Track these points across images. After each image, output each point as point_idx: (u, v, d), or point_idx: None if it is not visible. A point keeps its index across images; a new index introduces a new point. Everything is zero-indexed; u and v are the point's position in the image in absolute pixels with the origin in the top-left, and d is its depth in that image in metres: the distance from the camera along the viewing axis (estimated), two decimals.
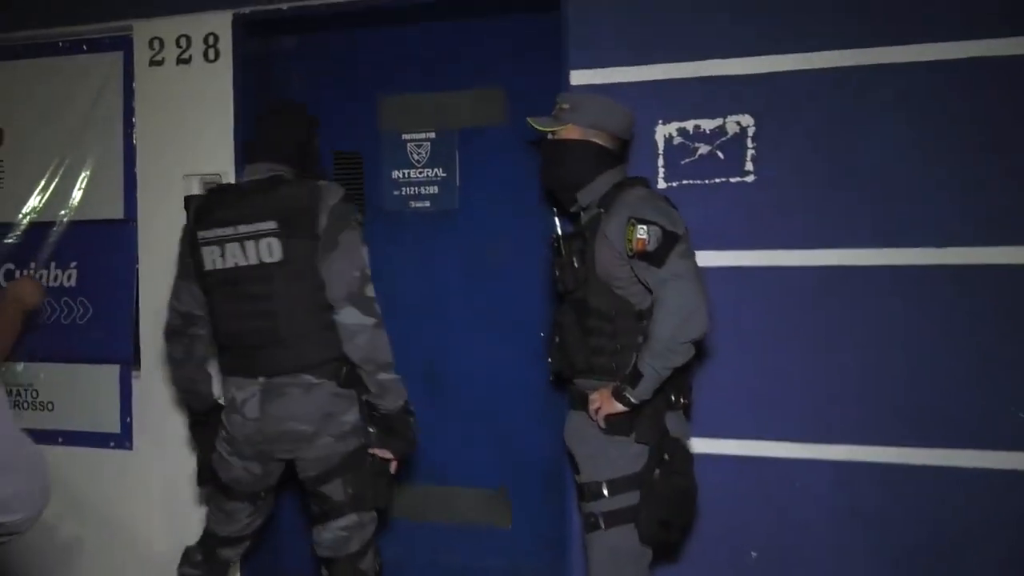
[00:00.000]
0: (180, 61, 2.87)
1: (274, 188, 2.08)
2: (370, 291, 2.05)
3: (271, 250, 2.04)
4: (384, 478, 2.16)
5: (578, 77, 2.55)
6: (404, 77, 2.94)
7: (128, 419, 3.02)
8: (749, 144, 2.42)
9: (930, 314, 2.29)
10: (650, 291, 1.94)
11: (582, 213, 2.13)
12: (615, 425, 1.98)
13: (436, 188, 2.92)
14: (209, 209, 2.13)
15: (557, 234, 2.14)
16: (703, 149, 2.45)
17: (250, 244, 2.05)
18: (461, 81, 2.88)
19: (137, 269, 2.95)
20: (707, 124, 2.45)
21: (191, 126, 2.86)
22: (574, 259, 2.03)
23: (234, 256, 2.06)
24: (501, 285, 2.86)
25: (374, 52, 2.96)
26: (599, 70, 2.53)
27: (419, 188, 2.94)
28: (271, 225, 2.04)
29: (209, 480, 2.27)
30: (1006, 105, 2.23)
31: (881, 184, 2.31)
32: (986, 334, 2.25)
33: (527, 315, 2.82)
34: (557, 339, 2.13)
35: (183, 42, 2.86)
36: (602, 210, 2.01)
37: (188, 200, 2.36)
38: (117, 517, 3.01)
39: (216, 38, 2.83)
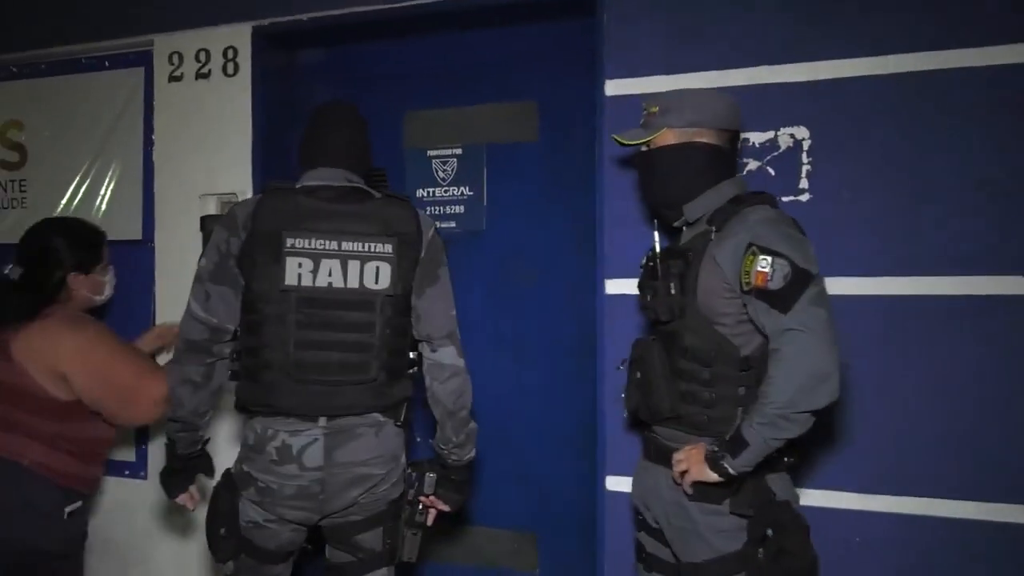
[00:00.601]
0: (199, 76, 2.76)
1: (365, 202, 1.86)
2: (459, 333, 1.91)
3: (379, 275, 1.82)
4: (422, 530, 1.97)
5: (613, 88, 2.35)
6: (430, 90, 2.79)
7: (144, 447, 2.91)
8: (804, 159, 2.18)
9: (1015, 351, 2.00)
10: (761, 334, 1.61)
11: (685, 228, 1.82)
12: (705, 491, 1.64)
13: (462, 207, 2.74)
14: (293, 212, 1.81)
15: (654, 250, 1.79)
16: (752, 165, 2.22)
17: (354, 264, 1.81)
18: (489, 94, 2.72)
19: (154, 291, 2.84)
20: (756, 137, 2.21)
21: (209, 143, 2.75)
22: (671, 284, 1.71)
23: (331, 275, 1.80)
24: (531, 310, 2.67)
25: (398, 64, 2.81)
26: (637, 80, 2.33)
27: (444, 207, 2.76)
28: (386, 248, 1.82)
29: (237, 552, 1.88)
30: None
31: (956, 203, 2.04)
32: None
33: (558, 342, 2.63)
34: (638, 375, 1.80)
35: (202, 56, 2.75)
36: (713, 228, 1.68)
37: (234, 207, 1.90)
38: (130, 547, 2.89)
39: (235, 51, 2.72)
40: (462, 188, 2.75)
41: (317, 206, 1.84)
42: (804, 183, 2.17)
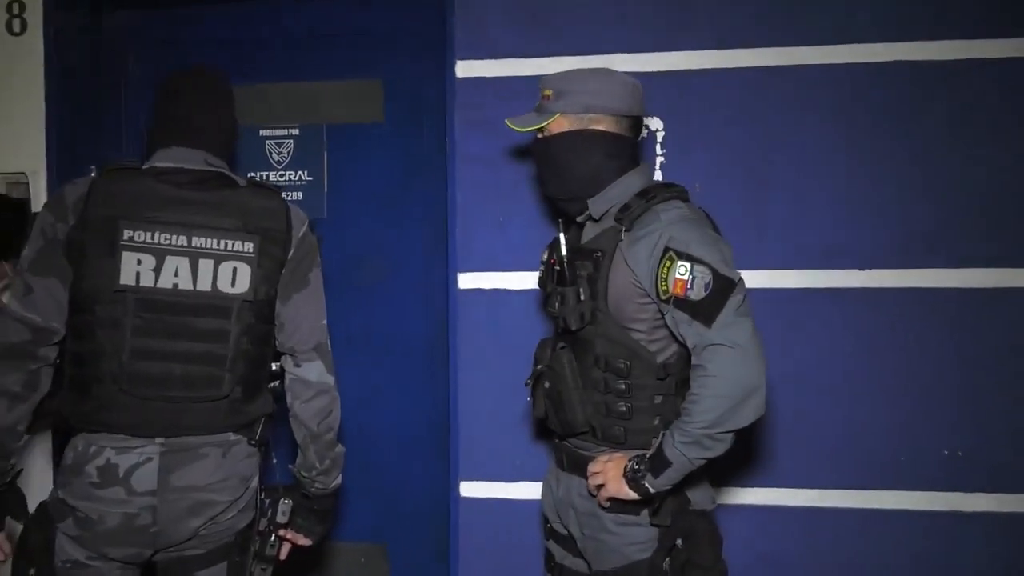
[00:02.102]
0: None
1: (226, 191, 1.61)
2: (330, 345, 1.71)
3: (236, 278, 1.58)
4: (272, 565, 1.74)
5: (464, 69, 2.20)
6: (263, 62, 2.51)
7: None
8: (658, 150, 2.14)
9: (840, 346, 2.08)
10: (679, 343, 1.50)
11: (589, 224, 1.65)
12: (622, 503, 1.53)
13: (300, 194, 2.50)
14: (135, 198, 1.55)
15: (560, 252, 1.61)
16: None
17: (206, 264, 1.57)
18: (330, 69, 2.48)
19: None
20: None
21: None
22: (580, 289, 1.56)
23: (177, 275, 1.56)
24: (375, 305, 2.49)
25: (226, 31, 2.51)
26: (489, 62, 2.20)
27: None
28: (246, 247, 1.59)
29: None
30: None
31: (801, 197, 2.08)
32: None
33: (405, 340, 2.46)
34: (547, 385, 1.64)
35: None
36: (623, 227, 1.53)
37: (64, 187, 1.61)
38: None
39: (23, 6, 2.31)
40: (300, 172, 2.51)
41: (166, 192, 1.57)
42: (658, 175, 2.14)
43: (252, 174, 2.45)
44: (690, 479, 1.51)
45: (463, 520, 2.23)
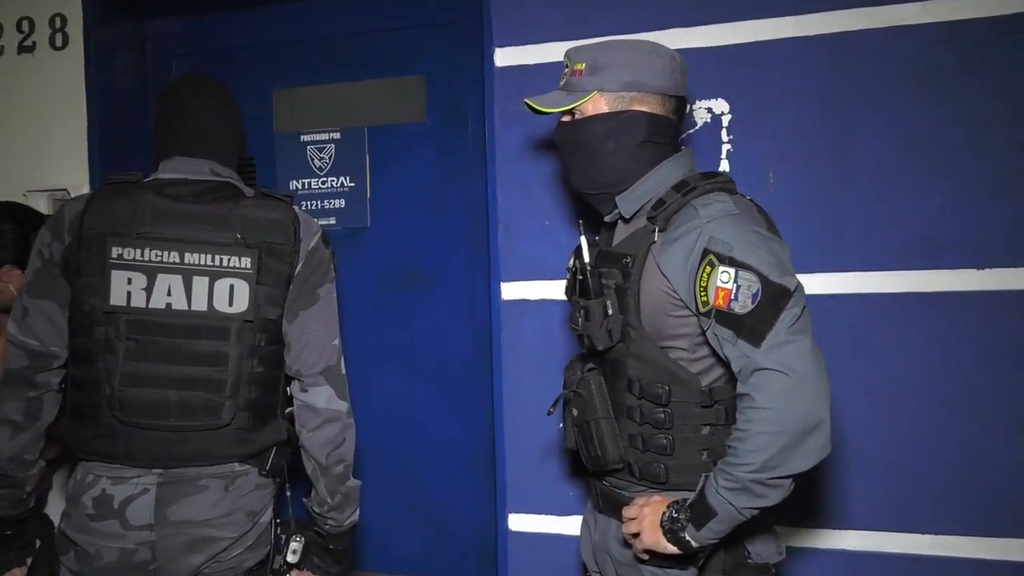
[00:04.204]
0: (22, 49, 2.33)
1: (229, 203, 1.51)
2: (344, 368, 1.57)
3: (233, 296, 1.47)
4: None
5: (503, 57, 2.01)
6: (303, 64, 2.40)
7: None
8: (724, 137, 1.87)
9: (969, 352, 1.72)
10: (723, 363, 1.27)
11: (620, 224, 1.43)
12: (661, 556, 1.29)
13: (343, 201, 2.37)
14: (130, 213, 1.47)
15: (582, 259, 1.39)
16: None
17: (200, 282, 1.46)
18: (371, 68, 2.34)
19: None
20: None
21: (36, 130, 2.32)
22: (607, 302, 1.34)
23: (170, 295, 1.46)
24: (422, 319, 2.31)
25: (266, 34, 2.42)
26: (531, 47, 1.99)
27: (323, 202, 2.38)
28: (243, 262, 1.47)
29: None
30: None
31: (894, 183, 1.75)
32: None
33: (454, 355, 2.27)
34: (575, 412, 1.43)
35: (25, 26, 2.32)
36: (656, 226, 1.31)
37: (64, 205, 1.56)
38: None
39: (64, 20, 2.30)
40: (342, 178, 2.37)
41: (163, 206, 1.48)
42: (725, 164, 1.86)
43: (295, 183, 2.38)
44: (746, 527, 1.24)
45: (512, 555, 2.02)
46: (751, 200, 1.35)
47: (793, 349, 1.16)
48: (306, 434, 1.53)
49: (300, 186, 2.39)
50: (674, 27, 1.88)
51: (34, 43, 2.31)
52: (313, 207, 2.37)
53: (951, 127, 1.72)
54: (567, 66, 1.42)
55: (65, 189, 2.28)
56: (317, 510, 1.58)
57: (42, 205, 2.27)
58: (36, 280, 1.50)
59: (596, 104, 1.36)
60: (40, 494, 1.68)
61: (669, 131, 1.38)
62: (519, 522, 2.01)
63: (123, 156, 2.36)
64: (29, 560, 1.62)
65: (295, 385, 1.55)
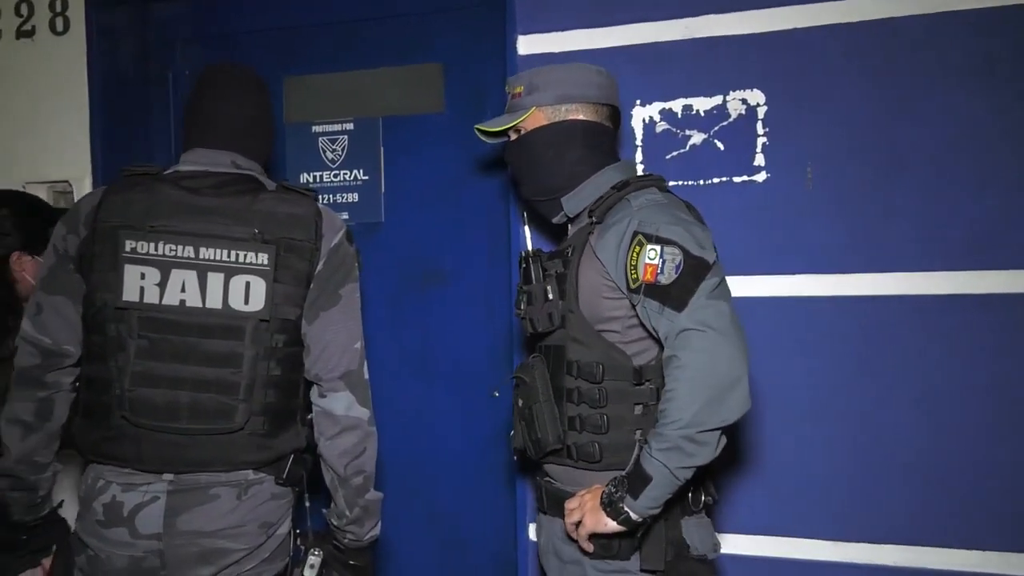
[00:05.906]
0: (21, 34, 2.24)
1: (247, 197, 1.45)
2: (366, 372, 1.51)
3: (249, 293, 1.41)
4: None
5: (527, 45, 1.92)
6: (315, 51, 2.30)
7: None
8: (759, 130, 1.78)
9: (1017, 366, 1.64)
10: (658, 342, 1.35)
11: (569, 226, 1.56)
12: (607, 545, 1.36)
13: (356, 195, 2.28)
14: (145, 206, 1.42)
15: (526, 250, 1.55)
16: (696, 138, 1.83)
17: (215, 278, 1.40)
18: (386, 55, 2.24)
19: None
20: (701, 104, 1.83)
21: (36, 119, 2.24)
22: (548, 289, 1.45)
23: (184, 291, 1.40)
24: (438, 320, 2.22)
25: (276, 18, 2.32)
26: (554, 35, 1.91)
27: (335, 196, 2.29)
28: (260, 258, 1.41)
29: None
30: None
31: (947, 183, 1.66)
32: None
33: (471, 358, 2.19)
34: (520, 402, 1.50)
35: (23, 9, 2.23)
36: (594, 220, 1.42)
37: (82, 198, 1.52)
38: None
39: (65, 3, 2.21)
40: (355, 171, 2.28)
41: (180, 199, 1.43)
42: (760, 160, 1.78)
43: (305, 176, 2.29)
44: (684, 511, 1.38)
45: (531, 566, 1.95)
46: (682, 200, 1.46)
47: (713, 311, 1.27)
48: (324, 442, 1.47)
49: (311, 179, 2.30)
50: (707, 13, 1.80)
51: (33, 27, 2.23)
52: (324, 201, 2.28)
53: (1006, 118, 1.63)
54: (508, 92, 1.57)
55: (66, 181, 2.20)
56: (336, 523, 1.52)
57: (42, 198, 2.18)
58: (50, 275, 1.46)
59: (536, 119, 1.51)
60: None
61: (605, 137, 1.52)
62: None
63: (127, 146, 2.27)
64: (46, 562, 1.59)
65: (314, 390, 1.49)
